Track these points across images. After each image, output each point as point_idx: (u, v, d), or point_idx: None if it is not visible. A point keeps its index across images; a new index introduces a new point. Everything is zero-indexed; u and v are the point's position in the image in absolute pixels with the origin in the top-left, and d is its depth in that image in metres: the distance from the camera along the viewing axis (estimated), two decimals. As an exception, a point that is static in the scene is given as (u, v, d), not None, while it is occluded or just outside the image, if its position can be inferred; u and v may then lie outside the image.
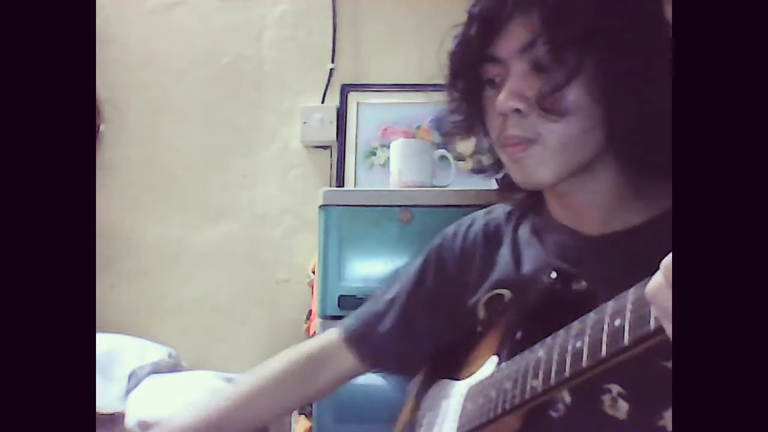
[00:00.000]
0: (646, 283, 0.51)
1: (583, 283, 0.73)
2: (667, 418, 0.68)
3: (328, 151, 2.04)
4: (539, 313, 0.75)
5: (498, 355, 0.77)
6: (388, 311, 0.95)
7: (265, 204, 2.04)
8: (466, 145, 0.91)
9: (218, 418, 0.92)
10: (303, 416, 1.64)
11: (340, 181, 1.98)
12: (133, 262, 2.04)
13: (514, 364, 0.70)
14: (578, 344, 0.59)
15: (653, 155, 0.71)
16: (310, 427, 1.55)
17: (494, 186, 0.91)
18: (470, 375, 0.80)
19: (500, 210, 0.93)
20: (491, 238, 0.90)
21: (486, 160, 0.87)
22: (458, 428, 0.77)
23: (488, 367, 0.77)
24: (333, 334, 0.98)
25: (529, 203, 0.89)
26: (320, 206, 1.57)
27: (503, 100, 0.74)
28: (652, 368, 0.64)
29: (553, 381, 0.62)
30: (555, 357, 0.62)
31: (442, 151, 1.65)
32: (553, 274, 0.74)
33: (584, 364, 0.58)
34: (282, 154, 2.05)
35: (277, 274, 2.02)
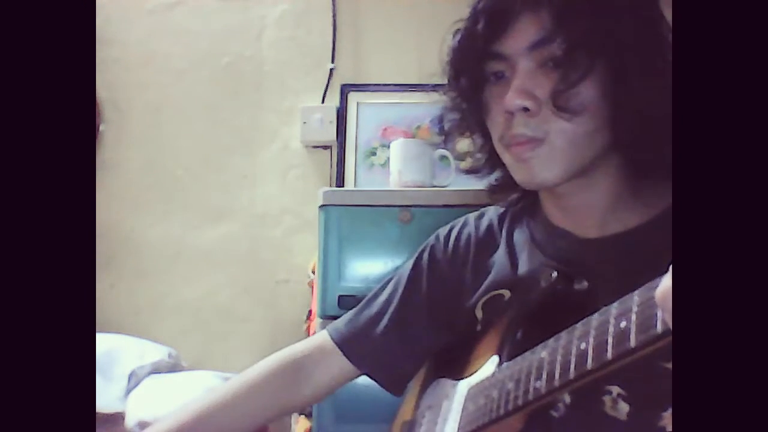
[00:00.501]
0: (650, 286, 0.51)
1: (585, 283, 0.73)
2: (667, 419, 0.68)
3: (328, 151, 2.03)
4: (540, 312, 0.75)
5: (499, 355, 0.77)
6: (381, 314, 0.94)
7: (265, 204, 2.04)
8: (466, 145, 0.90)
9: (193, 422, 0.89)
10: (303, 416, 1.64)
11: (340, 181, 1.98)
12: (133, 262, 2.04)
13: (516, 365, 0.69)
14: (583, 346, 0.59)
15: (656, 156, 0.71)
16: (310, 427, 1.55)
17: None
18: (470, 374, 0.80)
19: (493, 212, 0.93)
20: (485, 240, 0.90)
21: (480, 160, 0.86)
22: (460, 428, 0.77)
23: (489, 366, 0.77)
24: (322, 337, 0.96)
25: (523, 205, 0.88)
26: (320, 206, 1.57)
27: (511, 97, 0.73)
28: (653, 369, 0.64)
29: (557, 382, 0.62)
30: (559, 358, 0.62)
31: (442, 151, 1.65)
32: (554, 274, 0.74)
33: (589, 365, 0.58)
34: (282, 154, 2.05)
35: (277, 274, 2.02)
